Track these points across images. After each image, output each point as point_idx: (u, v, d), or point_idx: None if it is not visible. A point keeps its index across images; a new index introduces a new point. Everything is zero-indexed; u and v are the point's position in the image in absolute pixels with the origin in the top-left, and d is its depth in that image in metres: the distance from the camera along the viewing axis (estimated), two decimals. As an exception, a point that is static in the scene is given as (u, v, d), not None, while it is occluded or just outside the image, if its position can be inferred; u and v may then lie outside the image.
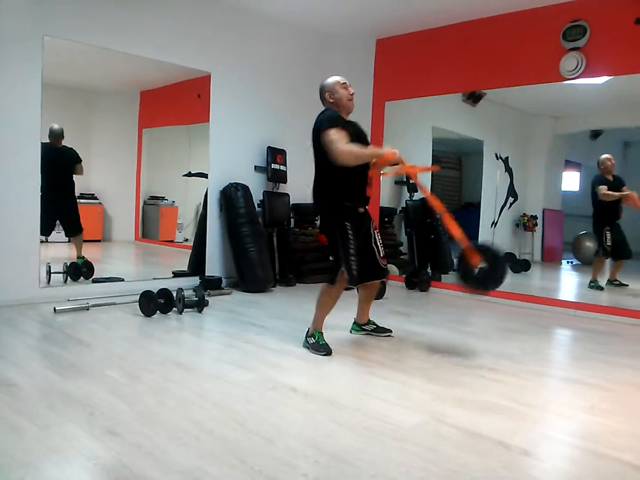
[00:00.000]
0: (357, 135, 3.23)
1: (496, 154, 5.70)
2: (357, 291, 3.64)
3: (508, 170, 5.90)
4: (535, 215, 6.12)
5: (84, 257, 5.07)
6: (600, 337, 4.03)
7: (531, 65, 5.04)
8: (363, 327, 3.71)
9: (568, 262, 6.55)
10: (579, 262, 6.51)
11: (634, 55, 4.48)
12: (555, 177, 6.34)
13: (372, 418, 2.32)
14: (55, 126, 4.82)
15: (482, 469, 1.91)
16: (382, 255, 3.44)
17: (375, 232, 3.46)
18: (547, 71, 4.93)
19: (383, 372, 2.97)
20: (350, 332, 3.73)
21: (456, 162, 6.90)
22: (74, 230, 5.15)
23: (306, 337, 3.36)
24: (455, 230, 3.20)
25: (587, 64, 4.71)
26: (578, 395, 2.75)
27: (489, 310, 4.93)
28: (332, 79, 3.29)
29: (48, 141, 4.68)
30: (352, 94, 3.28)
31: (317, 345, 3.27)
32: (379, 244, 3.44)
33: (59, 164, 4.84)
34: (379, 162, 3.23)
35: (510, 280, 5.93)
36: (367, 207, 3.38)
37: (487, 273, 3.15)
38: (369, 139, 3.45)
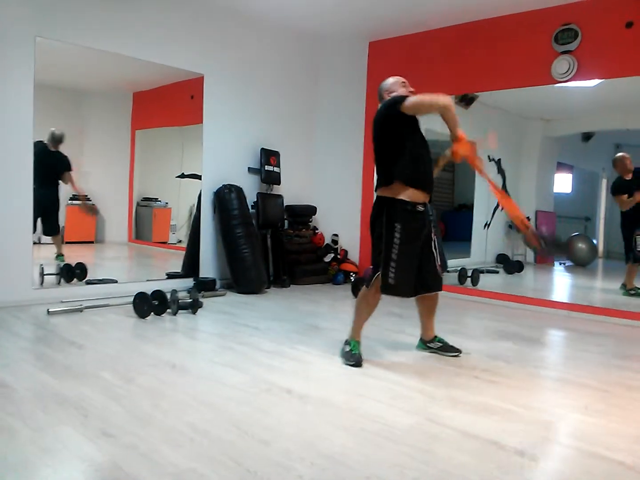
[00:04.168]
0: (422, 137, 3.10)
1: (489, 156, 5.73)
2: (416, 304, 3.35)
3: (501, 172, 5.93)
4: (528, 217, 6.13)
5: (62, 254, 5.08)
6: (593, 338, 4.06)
7: (523, 68, 5.07)
8: (428, 344, 3.38)
9: (560, 263, 6.59)
10: (571, 264, 6.56)
11: (624, 58, 4.52)
12: (548, 179, 6.38)
13: (367, 419, 2.32)
14: (57, 131, 4.90)
15: (477, 469, 1.91)
16: (439, 263, 3.11)
17: (433, 235, 3.11)
18: (539, 74, 4.96)
19: (377, 374, 2.97)
20: (417, 349, 3.43)
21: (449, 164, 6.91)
22: (52, 231, 5.15)
23: (344, 345, 3.21)
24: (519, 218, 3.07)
25: (579, 67, 4.74)
26: (571, 395, 2.77)
27: (483, 311, 4.95)
28: (391, 79, 3.17)
29: (45, 141, 4.75)
30: (412, 92, 3.12)
31: (349, 354, 3.09)
32: (434, 250, 3.10)
33: (49, 166, 4.85)
34: (456, 146, 2.92)
35: (503, 281, 6.01)
36: (429, 203, 3.07)
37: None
38: None
